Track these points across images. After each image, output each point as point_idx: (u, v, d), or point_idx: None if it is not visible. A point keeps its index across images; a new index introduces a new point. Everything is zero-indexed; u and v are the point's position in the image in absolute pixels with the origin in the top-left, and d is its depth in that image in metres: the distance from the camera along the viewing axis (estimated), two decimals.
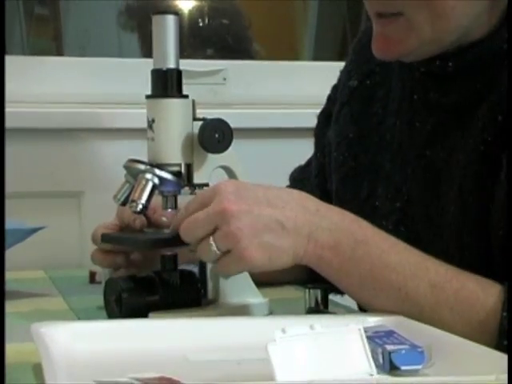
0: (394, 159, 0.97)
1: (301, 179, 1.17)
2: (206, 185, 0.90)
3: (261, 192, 0.81)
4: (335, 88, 1.12)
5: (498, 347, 0.71)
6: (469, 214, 0.87)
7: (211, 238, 0.79)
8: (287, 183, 1.20)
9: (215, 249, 0.79)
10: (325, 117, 1.13)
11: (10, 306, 0.91)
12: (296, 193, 0.84)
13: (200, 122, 0.88)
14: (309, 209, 0.82)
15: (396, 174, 0.97)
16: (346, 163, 1.04)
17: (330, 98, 1.13)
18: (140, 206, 0.88)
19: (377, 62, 1.00)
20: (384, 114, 1.00)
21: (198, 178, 0.89)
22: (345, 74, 1.09)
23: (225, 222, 0.78)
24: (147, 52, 1.62)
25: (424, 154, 0.94)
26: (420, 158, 0.94)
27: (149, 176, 0.88)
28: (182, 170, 0.89)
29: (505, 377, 0.59)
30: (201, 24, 1.67)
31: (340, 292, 0.94)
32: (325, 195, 1.08)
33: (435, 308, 0.78)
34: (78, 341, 0.71)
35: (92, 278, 1.15)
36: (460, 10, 0.84)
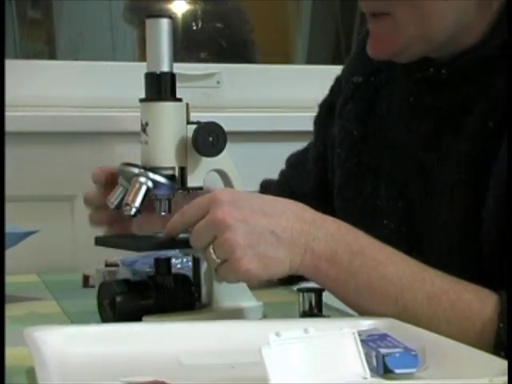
0: (395, 159, 0.98)
1: (297, 165, 1.18)
2: (200, 188, 0.90)
3: (256, 202, 0.82)
4: (338, 80, 1.12)
5: None
6: (459, 219, 0.87)
7: (211, 247, 0.80)
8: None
9: (214, 257, 0.80)
10: (326, 107, 1.13)
11: None
12: (292, 203, 0.84)
13: (194, 126, 0.88)
14: (305, 219, 0.82)
15: (397, 175, 0.97)
16: (349, 160, 1.04)
17: (332, 90, 1.13)
18: (134, 210, 0.88)
19: (382, 61, 1.00)
20: (387, 114, 1.01)
21: (191, 182, 0.89)
22: (348, 69, 1.09)
23: (220, 231, 0.79)
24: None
25: (418, 157, 0.94)
26: (415, 161, 0.95)
27: (142, 179, 0.88)
28: (176, 174, 0.89)
29: (498, 380, 0.59)
30: (194, 27, 1.67)
31: None
32: (322, 183, 1.10)
33: (432, 320, 0.78)
34: (71, 345, 0.71)
35: (85, 281, 1.15)
36: (444, 10, 0.85)
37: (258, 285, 0.88)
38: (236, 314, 0.87)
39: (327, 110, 1.12)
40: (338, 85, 1.11)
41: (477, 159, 0.87)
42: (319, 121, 1.14)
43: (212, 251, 0.80)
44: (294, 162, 1.19)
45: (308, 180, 1.14)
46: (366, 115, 1.03)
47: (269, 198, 0.84)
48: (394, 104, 1.00)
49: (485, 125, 0.87)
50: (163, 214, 0.90)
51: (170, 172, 0.89)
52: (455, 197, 0.88)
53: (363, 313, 0.82)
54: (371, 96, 1.03)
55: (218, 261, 0.80)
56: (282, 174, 1.20)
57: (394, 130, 0.99)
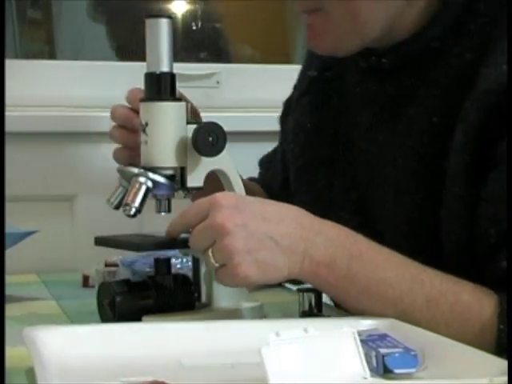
0: (347, 151, 0.99)
1: (267, 162, 1.21)
2: (200, 188, 0.90)
3: (257, 207, 0.82)
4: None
5: None
6: (404, 213, 0.89)
7: (210, 250, 0.80)
8: None
9: (213, 261, 0.80)
10: (291, 103, 1.14)
11: None
12: (292, 208, 0.84)
13: (194, 126, 0.88)
14: (304, 225, 0.82)
15: (349, 166, 0.99)
16: (303, 154, 1.05)
17: (295, 87, 1.14)
18: (133, 210, 0.88)
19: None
20: (340, 106, 1.02)
21: (191, 182, 0.89)
22: (305, 63, 1.11)
23: (219, 236, 0.79)
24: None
25: (362, 148, 0.97)
26: (360, 152, 0.97)
27: (142, 179, 0.88)
28: (176, 174, 0.89)
29: (498, 380, 0.59)
30: (194, 27, 1.67)
31: None
32: (288, 181, 1.11)
33: (431, 323, 0.78)
34: (70, 345, 0.71)
35: (85, 281, 1.15)
36: (372, 5, 0.87)
37: (256, 288, 0.89)
38: (236, 314, 0.87)
39: (289, 106, 1.14)
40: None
41: (424, 155, 0.88)
42: (283, 118, 1.16)
43: (211, 255, 0.80)
44: (265, 160, 1.23)
45: (276, 178, 1.16)
46: (320, 109, 1.05)
47: (269, 203, 0.84)
48: (344, 96, 1.01)
49: (429, 120, 0.88)
50: (163, 214, 0.90)
51: (169, 172, 0.89)
52: (401, 190, 0.90)
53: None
54: (325, 90, 1.05)
55: (217, 265, 0.80)
56: (259, 173, 1.24)
57: (345, 121, 1.00)
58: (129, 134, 0.96)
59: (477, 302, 0.79)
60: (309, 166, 1.04)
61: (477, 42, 0.86)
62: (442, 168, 0.85)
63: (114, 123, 0.99)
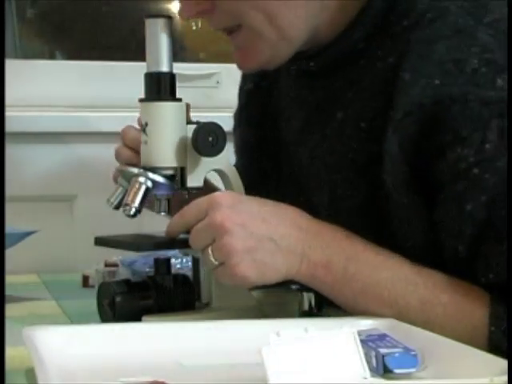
0: (287, 157, 0.99)
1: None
2: (200, 188, 0.90)
3: (256, 207, 0.82)
4: None
5: None
6: (340, 218, 0.87)
7: (209, 248, 0.80)
8: None
9: (212, 259, 0.80)
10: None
11: None
12: (290, 209, 0.84)
13: (193, 126, 0.88)
14: (302, 226, 0.82)
15: (293, 173, 0.98)
16: (251, 168, 1.05)
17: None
18: (133, 210, 0.88)
19: None
20: (277, 114, 1.01)
21: (191, 182, 0.89)
22: (242, 78, 1.10)
23: (219, 235, 0.79)
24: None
25: (296, 153, 0.96)
26: (296, 157, 0.96)
27: (142, 179, 0.88)
28: (176, 174, 0.89)
29: (499, 380, 0.59)
30: (194, 27, 1.67)
31: None
32: None
33: (426, 324, 0.77)
34: (70, 345, 0.71)
35: (85, 281, 1.15)
36: (292, 10, 0.85)
37: (253, 287, 0.89)
38: (236, 314, 0.87)
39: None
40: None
41: (356, 161, 0.87)
42: (233, 132, 1.14)
43: (210, 253, 0.80)
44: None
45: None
46: (260, 120, 1.04)
47: (267, 203, 0.84)
48: (280, 101, 1.01)
49: (357, 125, 0.87)
50: (163, 214, 0.91)
51: (169, 172, 0.89)
52: (337, 196, 0.89)
53: None
54: (263, 100, 1.04)
55: (216, 263, 0.80)
56: None
57: (283, 127, 1.00)
58: (135, 156, 0.94)
59: (469, 302, 0.79)
60: (259, 178, 1.03)
61: (398, 46, 0.84)
62: (378, 176, 0.84)
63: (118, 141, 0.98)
